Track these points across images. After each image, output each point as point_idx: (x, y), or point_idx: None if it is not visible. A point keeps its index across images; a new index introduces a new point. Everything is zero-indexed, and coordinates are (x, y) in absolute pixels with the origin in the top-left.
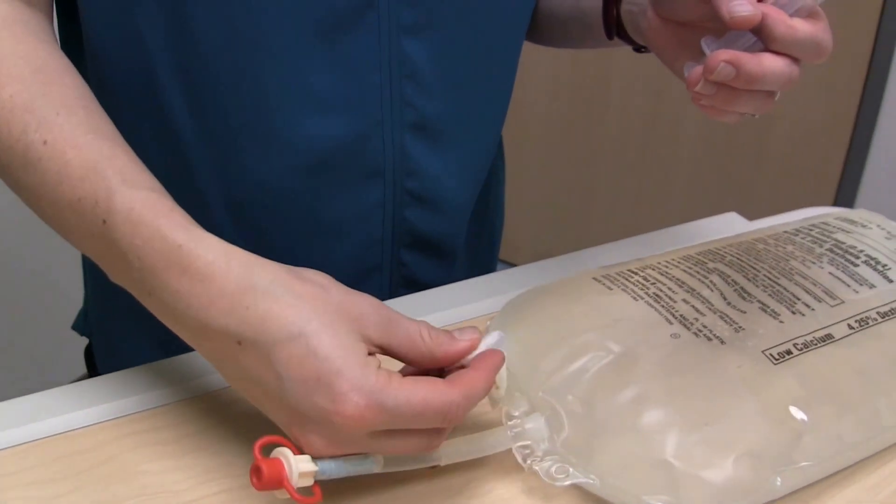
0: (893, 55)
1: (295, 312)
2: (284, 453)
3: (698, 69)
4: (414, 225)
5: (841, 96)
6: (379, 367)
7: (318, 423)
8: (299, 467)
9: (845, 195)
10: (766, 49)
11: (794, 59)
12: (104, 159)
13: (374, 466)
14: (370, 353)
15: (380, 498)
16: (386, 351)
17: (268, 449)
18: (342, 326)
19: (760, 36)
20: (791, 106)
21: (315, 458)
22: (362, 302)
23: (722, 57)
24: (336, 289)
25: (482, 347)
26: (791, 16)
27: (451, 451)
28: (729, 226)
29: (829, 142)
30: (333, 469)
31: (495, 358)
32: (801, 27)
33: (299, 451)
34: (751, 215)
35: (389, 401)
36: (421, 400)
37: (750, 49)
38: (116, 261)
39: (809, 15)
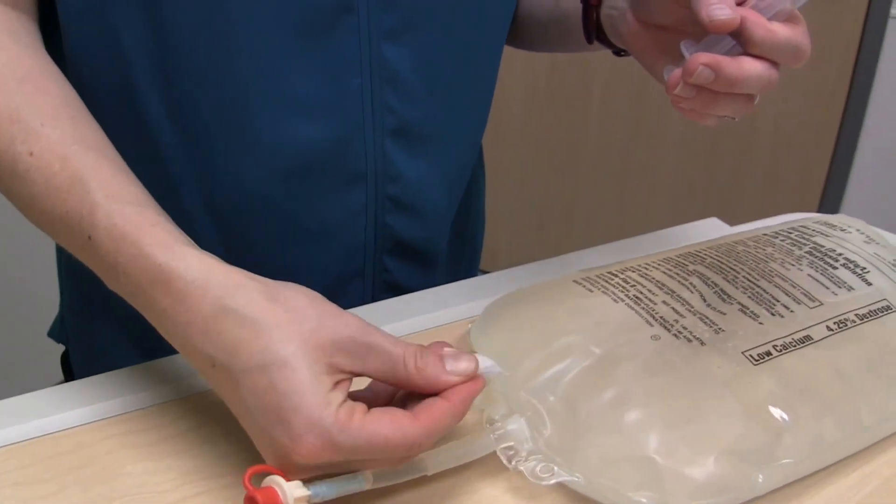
0: (878, 61)
1: (264, 342)
2: (277, 481)
3: (677, 72)
4: (396, 230)
5: (825, 102)
6: (343, 402)
7: (280, 456)
8: (294, 493)
9: (830, 201)
10: (746, 53)
11: (773, 63)
12: (89, 170)
13: (364, 484)
14: (340, 381)
15: None
16: (361, 375)
17: (258, 478)
18: (308, 358)
19: (740, 40)
20: (775, 112)
21: (306, 483)
22: (340, 327)
23: (701, 60)
24: (314, 311)
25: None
26: (770, 20)
27: (437, 460)
28: (710, 231)
29: (813, 148)
30: (325, 492)
31: (472, 388)
32: (780, 31)
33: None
34: (734, 221)
35: (347, 442)
36: (381, 439)
37: (729, 53)
38: (107, 275)
39: (788, 19)
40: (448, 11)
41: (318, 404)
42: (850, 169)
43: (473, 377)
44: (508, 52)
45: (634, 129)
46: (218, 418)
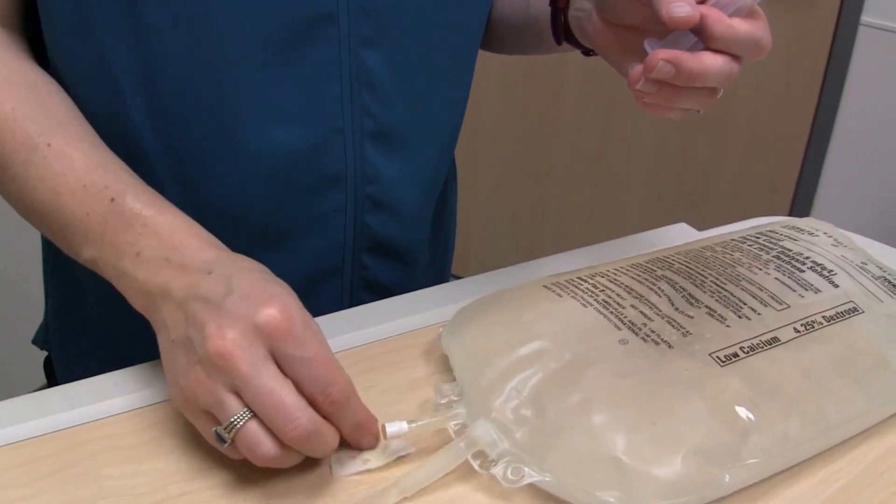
0: (848, 68)
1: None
2: None
3: (639, 68)
4: (374, 230)
5: (796, 108)
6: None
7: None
8: None
9: (801, 205)
10: (707, 48)
11: (734, 57)
12: (108, 162)
13: None
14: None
15: None
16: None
17: None
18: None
19: (701, 36)
20: (746, 117)
21: None
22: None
23: (661, 56)
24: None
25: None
26: (730, 16)
27: (412, 481)
28: (679, 236)
29: (784, 153)
30: None
31: (367, 435)
32: (740, 26)
33: None
34: (707, 226)
35: (258, 377)
36: (278, 398)
37: (692, 49)
38: (114, 229)
39: (748, 14)
40: (423, 18)
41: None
42: (820, 173)
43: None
44: (482, 58)
45: (606, 134)
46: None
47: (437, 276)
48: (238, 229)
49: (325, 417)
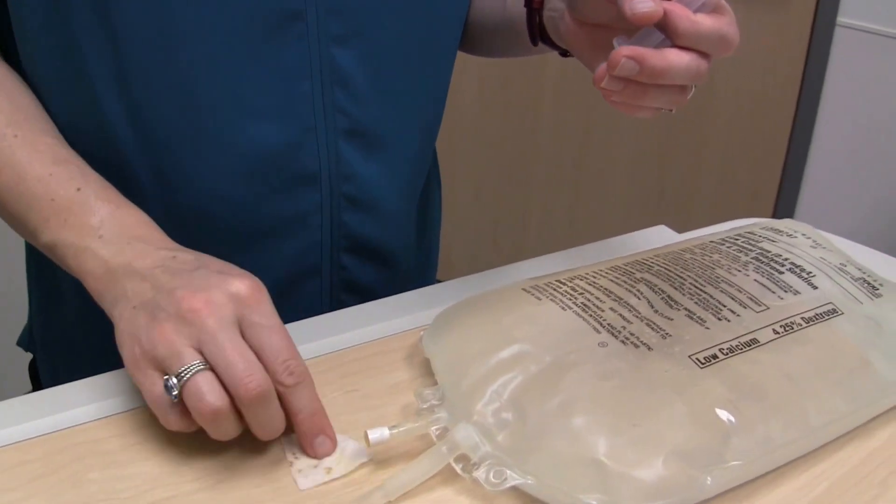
0: (827, 67)
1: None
2: None
3: (603, 66)
4: (352, 229)
5: (776, 109)
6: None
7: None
8: None
9: (783, 209)
10: (674, 45)
11: (702, 54)
12: (73, 157)
13: None
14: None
15: None
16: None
17: None
18: None
19: (666, 33)
20: (727, 120)
21: None
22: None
23: (624, 52)
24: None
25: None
26: (695, 11)
27: (396, 485)
28: (658, 238)
29: (765, 155)
30: None
31: (321, 435)
32: (705, 21)
33: None
34: (689, 228)
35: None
36: (240, 353)
37: (659, 46)
38: (78, 213)
39: (714, 10)
40: (397, 17)
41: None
42: (802, 175)
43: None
44: (460, 61)
45: (587, 138)
46: None
47: (420, 281)
48: (216, 228)
49: (280, 396)
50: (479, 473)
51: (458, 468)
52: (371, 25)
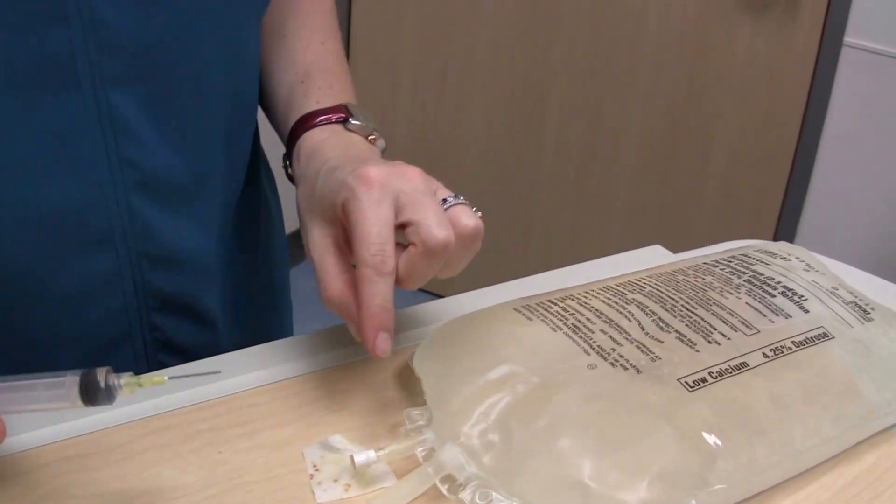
0: (832, 87)
1: None
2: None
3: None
4: (160, 288)
5: (780, 130)
6: None
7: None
8: None
9: (785, 229)
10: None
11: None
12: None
13: None
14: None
15: None
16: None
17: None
18: None
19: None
20: (728, 139)
21: None
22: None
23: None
24: None
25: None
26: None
27: None
28: (653, 258)
29: (767, 175)
30: None
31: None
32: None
33: None
34: (690, 249)
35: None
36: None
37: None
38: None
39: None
40: (182, 56)
41: None
42: (805, 196)
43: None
44: (465, 77)
45: (589, 155)
46: (164, 443)
47: (266, 333)
48: (20, 290)
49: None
50: (465, 495)
51: (443, 489)
52: (150, 66)
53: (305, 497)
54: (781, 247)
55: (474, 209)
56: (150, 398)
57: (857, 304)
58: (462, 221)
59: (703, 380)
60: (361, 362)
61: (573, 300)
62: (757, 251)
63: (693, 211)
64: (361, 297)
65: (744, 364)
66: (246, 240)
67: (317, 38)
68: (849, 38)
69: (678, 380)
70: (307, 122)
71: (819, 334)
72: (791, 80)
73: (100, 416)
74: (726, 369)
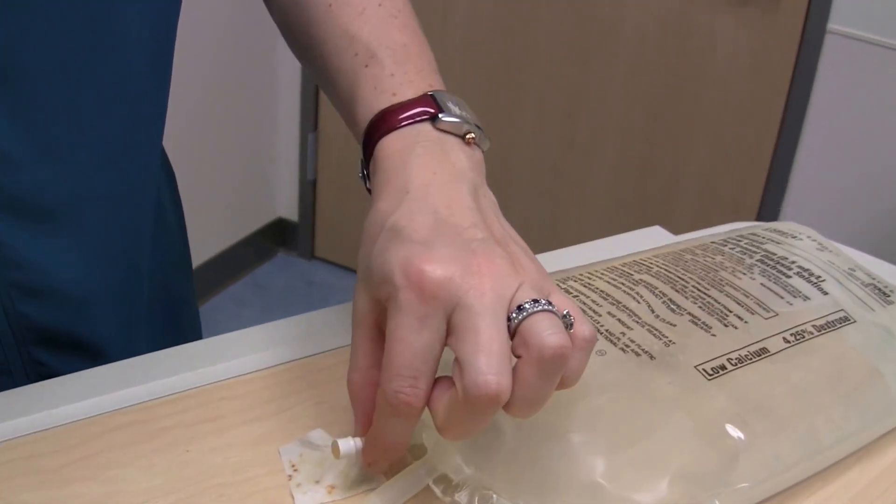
0: (816, 74)
1: None
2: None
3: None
4: (35, 321)
5: (762, 117)
6: None
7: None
8: None
9: (767, 216)
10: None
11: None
12: None
13: None
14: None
15: None
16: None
17: None
18: None
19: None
20: (710, 127)
21: None
22: None
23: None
24: None
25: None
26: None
27: None
28: (653, 240)
29: (749, 163)
30: None
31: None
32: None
33: None
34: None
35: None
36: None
37: None
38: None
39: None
40: (56, 60)
41: None
42: (787, 184)
43: None
44: (442, 70)
45: (567, 145)
46: (125, 442)
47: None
48: None
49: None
50: (462, 497)
51: (437, 490)
52: (18, 72)
53: (283, 501)
54: (790, 226)
55: (564, 314)
56: (108, 391)
57: (875, 287)
58: (534, 341)
59: (723, 367)
60: (343, 350)
61: (575, 281)
62: (766, 230)
63: (673, 202)
64: (374, 425)
65: (764, 350)
66: (135, 263)
67: (372, 1)
68: (832, 25)
69: (695, 367)
70: (383, 124)
71: (840, 318)
72: (774, 67)
73: (56, 412)
74: (746, 355)
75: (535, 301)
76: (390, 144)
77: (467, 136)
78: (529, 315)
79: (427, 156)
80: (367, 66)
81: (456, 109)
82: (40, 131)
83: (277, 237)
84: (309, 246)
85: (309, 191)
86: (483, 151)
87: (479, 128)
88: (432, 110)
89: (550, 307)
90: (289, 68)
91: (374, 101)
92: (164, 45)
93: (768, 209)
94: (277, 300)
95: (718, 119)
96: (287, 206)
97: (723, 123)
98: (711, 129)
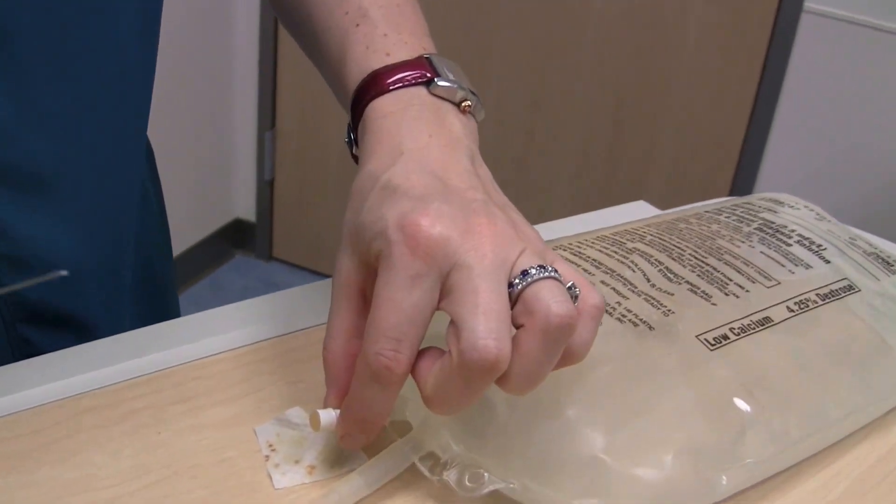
0: (790, 54)
1: None
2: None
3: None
4: (23, 296)
5: (734, 98)
6: None
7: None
8: None
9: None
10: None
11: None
12: None
13: None
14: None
15: None
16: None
17: None
18: None
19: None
20: (678, 109)
21: None
22: None
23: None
24: None
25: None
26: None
27: (348, 490)
28: (639, 214)
29: (721, 146)
30: None
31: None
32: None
33: None
34: None
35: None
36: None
37: None
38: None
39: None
40: (47, 24)
41: None
42: (758, 167)
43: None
44: None
45: (529, 136)
46: (94, 425)
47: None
48: None
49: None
50: (450, 476)
51: (424, 469)
52: (9, 34)
53: (261, 482)
54: (787, 197)
55: (570, 284)
56: (78, 373)
57: (878, 256)
58: (541, 308)
59: (725, 337)
60: (320, 329)
61: (565, 250)
62: (761, 199)
63: (642, 186)
64: (350, 393)
65: (767, 319)
66: (122, 237)
67: None
68: (809, 4)
69: (696, 337)
70: (375, 85)
71: (844, 286)
72: (747, 46)
73: (20, 395)
74: (749, 325)
75: (542, 267)
76: (382, 106)
77: (463, 104)
78: (534, 281)
79: (422, 119)
80: (358, 25)
81: (451, 75)
82: (30, 99)
83: (235, 238)
84: (267, 247)
85: (266, 191)
86: (478, 121)
87: (474, 95)
88: (428, 74)
89: (556, 274)
90: (245, 63)
91: (365, 61)
92: (152, 13)
93: (739, 192)
94: (236, 302)
95: (689, 101)
96: (244, 207)
97: (694, 105)
98: (681, 112)
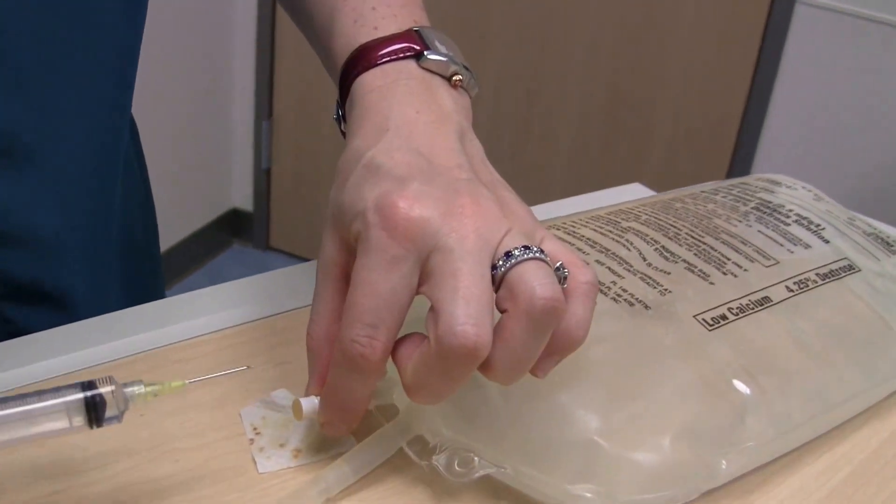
0: (784, 46)
1: None
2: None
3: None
4: (5, 270)
5: (727, 90)
6: None
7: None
8: None
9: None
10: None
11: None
12: None
13: None
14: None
15: None
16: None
17: None
18: None
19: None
20: (672, 102)
21: None
22: None
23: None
24: None
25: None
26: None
27: (336, 477)
28: (634, 196)
29: (715, 138)
30: None
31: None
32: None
33: None
34: None
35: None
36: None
37: None
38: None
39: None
40: None
41: None
42: (753, 158)
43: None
44: None
45: (524, 128)
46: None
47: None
48: None
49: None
50: (440, 460)
51: (412, 454)
52: None
53: (245, 466)
54: (783, 177)
55: (558, 265)
56: (60, 354)
57: (877, 237)
58: (524, 291)
59: (724, 316)
60: (300, 312)
61: (559, 229)
62: (758, 180)
63: (636, 178)
64: (329, 380)
65: (766, 299)
66: (105, 210)
67: None
68: None
69: (694, 317)
70: (363, 59)
71: (844, 266)
72: (741, 38)
73: (5, 374)
74: (748, 304)
75: (526, 248)
76: (370, 81)
77: (454, 78)
78: (518, 263)
79: (410, 94)
80: None
81: (443, 48)
82: (10, 65)
83: (232, 228)
84: (264, 236)
85: (263, 180)
86: (471, 97)
87: (467, 69)
88: (417, 47)
89: (542, 255)
90: (242, 53)
91: (353, 35)
92: None
93: (739, 169)
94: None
95: (684, 90)
96: (241, 197)
97: (689, 94)
98: (677, 101)
